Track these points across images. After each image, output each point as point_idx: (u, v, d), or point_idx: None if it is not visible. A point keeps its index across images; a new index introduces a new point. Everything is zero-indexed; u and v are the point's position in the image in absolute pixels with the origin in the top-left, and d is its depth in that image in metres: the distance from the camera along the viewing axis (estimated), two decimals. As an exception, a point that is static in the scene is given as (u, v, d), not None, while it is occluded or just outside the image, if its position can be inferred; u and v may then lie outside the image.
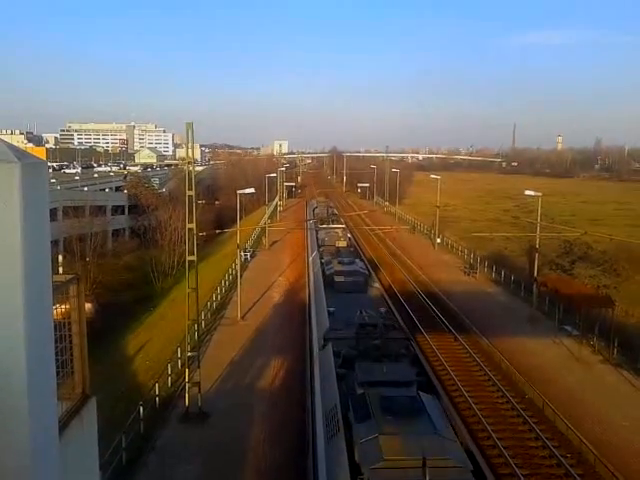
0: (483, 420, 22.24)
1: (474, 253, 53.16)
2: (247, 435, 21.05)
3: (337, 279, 27.09)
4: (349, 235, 47.28)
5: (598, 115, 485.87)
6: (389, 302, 25.25)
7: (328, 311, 21.25)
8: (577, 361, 28.25)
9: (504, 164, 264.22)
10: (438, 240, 61.20)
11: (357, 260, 32.01)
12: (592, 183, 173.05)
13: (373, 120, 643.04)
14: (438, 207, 61.41)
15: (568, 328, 32.18)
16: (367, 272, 29.84)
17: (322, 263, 32.05)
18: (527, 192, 39.75)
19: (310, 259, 39.95)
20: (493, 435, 21.04)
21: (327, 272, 28.97)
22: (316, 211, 64.73)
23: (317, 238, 43.85)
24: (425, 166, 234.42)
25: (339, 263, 29.77)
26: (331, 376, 16.03)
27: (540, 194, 37.28)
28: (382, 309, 21.83)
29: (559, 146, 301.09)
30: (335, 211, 64.76)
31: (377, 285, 29.43)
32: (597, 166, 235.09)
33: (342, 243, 39.29)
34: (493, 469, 17.11)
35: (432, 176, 71.54)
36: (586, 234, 44.53)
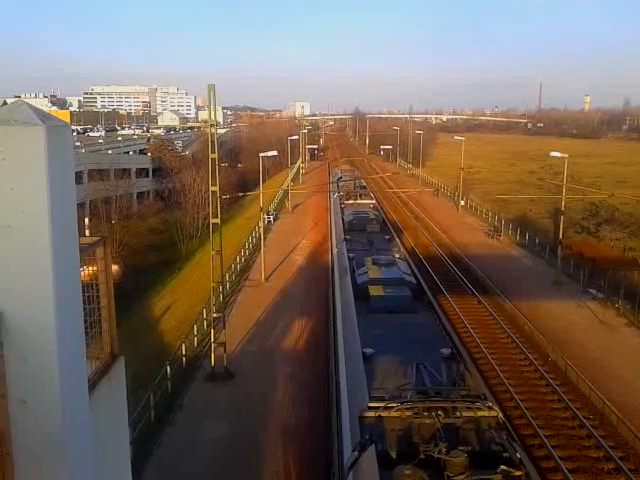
0: (505, 382, 22.34)
1: (498, 215, 52.70)
2: (272, 393, 21.41)
3: (373, 292, 19.03)
4: (382, 215, 39.40)
5: (628, 75, 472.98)
6: (450, 333, 16.88)
7: (363, 354, 13.94)
8: (601, 324, 28.09)
9: (530, 125, 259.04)
10: (462, 202, 60.69)
11: (398, 258, 23.80)
12: (620, 144, 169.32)
13: (396, 81, 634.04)
14: (462, 169, 60.69)
15: (593, 291, 31.96)
16: (414, 279, 21.41)
17: (350, 259, 24.25)
18: (553, 153, 39.07)
19: (335, 251, 30.28)
20: (516, 397, 21.14)
21: (359, 281, 20.78)
22: (340, 182, 58.47)
23: (343, 220, 34.62)
24: (449, 127, 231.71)
25: (374, 264, 21.87)
26: None
27: (566, 155, 36.59)
28: (444, 350, 14.08)
29: (586, 107, 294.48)
30: (364, 183, 56.14)
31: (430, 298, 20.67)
32: (625, 127, 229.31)
33: (375, 227, 32.37)
34: (515, 429, 17.20)
35: (456, 137, 70.66)
36: (612, 196, 43.75)
